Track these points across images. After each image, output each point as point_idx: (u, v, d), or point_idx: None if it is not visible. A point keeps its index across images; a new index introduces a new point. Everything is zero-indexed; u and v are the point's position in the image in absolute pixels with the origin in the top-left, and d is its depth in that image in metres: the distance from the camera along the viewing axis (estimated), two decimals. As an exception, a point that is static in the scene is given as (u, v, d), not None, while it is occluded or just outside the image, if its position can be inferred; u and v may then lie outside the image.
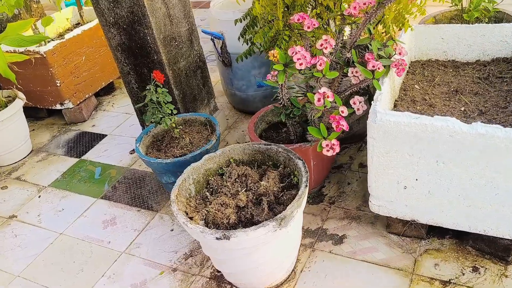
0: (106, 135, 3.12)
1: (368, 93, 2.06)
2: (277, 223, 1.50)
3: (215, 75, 3.45)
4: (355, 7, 1.63)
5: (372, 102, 1.72)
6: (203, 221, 1.65)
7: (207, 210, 1.66)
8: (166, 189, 2.31)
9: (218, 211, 1.64)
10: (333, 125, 1.66)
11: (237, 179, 1.83)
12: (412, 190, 1.74)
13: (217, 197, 1.74)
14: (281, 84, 1.76)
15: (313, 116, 1.75)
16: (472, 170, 1.57)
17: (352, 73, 1.70)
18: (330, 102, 1.59)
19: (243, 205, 1.68)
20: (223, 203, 1.67)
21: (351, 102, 1.77)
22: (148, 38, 2.25)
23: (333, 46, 1.64)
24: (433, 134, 1.57)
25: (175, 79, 2.42)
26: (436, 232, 1.92)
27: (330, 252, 1.94)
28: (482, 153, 1.52)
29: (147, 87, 2.07)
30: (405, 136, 1.62)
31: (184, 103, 2.52)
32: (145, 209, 2.39)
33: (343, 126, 1.65)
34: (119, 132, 3.13)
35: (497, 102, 1.89)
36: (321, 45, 1.63)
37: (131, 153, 2.86)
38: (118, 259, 2.11)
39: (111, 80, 3.59)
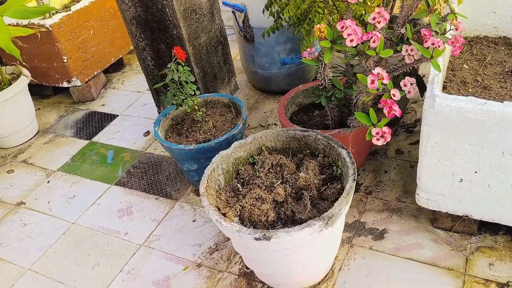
0: (117, 116, 2.93)
1: (415, 73, 1.85)
2: (324, 222, 1.33)
3: (233, 51, 3.23)
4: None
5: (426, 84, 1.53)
6: (238, 217, 1.47)
7: (241, 205, 1.48)
8: (187, 176, 2.13)
9: (253, 206, 1.46)
10: (385, 111, 1.46)
11: (270, 169, 1.64)
12: (469, 183, 1.55)
13: (250, 189, 1.56)
14: (324, 64, 1.56)
15: (360, 100, 1.55)
16: (546, 163, 1.39)
17: (407, 51, 1.49)
18: (383, 84, 1.39)
19: (281, 200, 1.50)
20: (259, 197, 1.49)
21: (401, 84, 1.56)
22: (167, 10, 2.03)
23: (387, 21, 1.43)
24: (502, 122, 1.37)
25: (195, 56, 2.21)
26: (488, 228, 1.74)
27: (370, 248, 1.77)
28: (559, 144, 1.34)
29: (168, 65, 1.86)
30: (468, 124, 1.42)
31: (205, 82, 2.32)
32: (163, 197, 2.21)
33: (396, 111, 1.45)
34: (131, 112, 2.93)
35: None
36: (374, 18, 1.42)
37: (145, 135, 2.67)
38: (137, 252, 1.95)
39: (120, 56, 3.37)
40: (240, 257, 1.83)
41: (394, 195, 1.98)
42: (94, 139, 2.74)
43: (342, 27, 1.39)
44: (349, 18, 1.66)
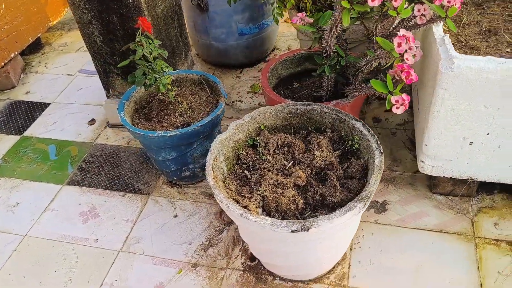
0: (49, 104, 2.51)
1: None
2: (363, 203, 1.20)
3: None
4: None
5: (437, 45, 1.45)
6: (261, 208, 1.29)
7: (261, 195, 1.30)
8: (160, 167, 1.87)
9: (276, 194, 1.29)
10: (403, 76, 1.35)
11: (276, 150, 1.47)
12: (479, 146, 1.52)
13: (261, 175, 1.38)
14: (334, 27, 1.39)
15: (372, 66, 1.43)
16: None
17: (419, 11, 1.38)
18: (411, 46, 1.28)
19: (303, 184, 1.34)
20: (278, 183, 1.32)
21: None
22: (122, -27, 1.72)
23: (404, -24, 1.30)
24: (522, 81, 1.34)
25: (155, 28, 1.92)
26: (484, 188, 1.76)
27: (376, 222, 1.70)
28: None
29: (137, 39, 1.58)
30: (487, 85, 1.37)
31: (164, 58, 2.04)
32: (131, 193, 1.93)
33: (413, 76, 1.35)
34: (65, 98, 2.54)
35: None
36: (390, -26, 1.29)
37: (90, 124, 2.32)
38: (116, 260, 1.68)
39: (39, 35, 2.89)
40: (240, 249, 1.66)
41: (384, 164, 1.92)
42: (27, 133, 2.32)
43: (362, -15, 1.24)
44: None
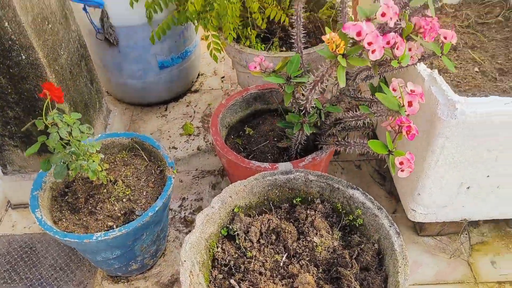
0: None
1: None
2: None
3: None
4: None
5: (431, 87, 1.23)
6: None
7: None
8: (100, 265, 1.45)
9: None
10: (403, 131, 1.11)
11: (261, 240, 1.16)
12: (477, 189, 1.36)
13: (252, 285, 1.06)
14: (319, 83, 1.10)
15: (364, 121, 1.18)
16: None
17: (411, 49, 1.15)
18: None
19: (312, 290, 1.05)
20: (282, 297, 1.01)
21: (391, 87, 1.23)
22: (7, 25, 1.24)
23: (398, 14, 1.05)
24: (529, 120, 1.18)
25: (62, 85, 1.47)
26: (469, 222, 1.62)
27: None
28: None
29: (49, 116, 1.14)
30: (493, 128, 1.19)
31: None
32: (62, 300, 1.49)
33: (414, 131, 1.12)
34: None
35: (509, 55, 1.61)
36: (383, 15, 1.02)
37: (-16, 208, 1.78)
38: None
39: None
40: None
41: (360, 207, 1.70)
42: None
43: (359, 33, 0.96)
44: (299, 4, 1.24)
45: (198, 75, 2.36)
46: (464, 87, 1.49)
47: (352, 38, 0.98)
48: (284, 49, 1.78)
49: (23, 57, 1.32)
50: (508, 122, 1.18)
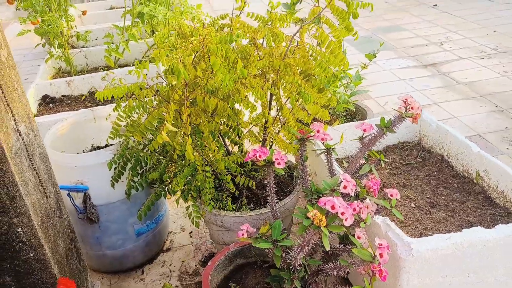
0: None
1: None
2: None
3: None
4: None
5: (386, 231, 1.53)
6: None
7: None
8: None
9: None
10: (376, 275, 1.36)
11: None
12: (440, 310, 1.61)
13: None
14: (305, 246, 1.34)
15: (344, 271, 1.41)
16: (500, 271, 1.57)
17: (367, 207, 1.46)
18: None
19: None
20: None
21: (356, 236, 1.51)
22: (20, 230, 1.39)
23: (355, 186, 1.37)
24: (467, 249, 1.49)
25: (61, 273, 1.58)
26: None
27: None
28: (506, 252, 1.54)
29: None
30: (441, 260, 1.48)
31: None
32: None
33: (385, 273, 1.38)
34: None
35: (435, 190, 1.99)
36: (345, 187, 1.33)
37: None
38: None
39: None
40: None
41: None
42: None
43: (333, 207, 1.25)
44: (271, 177, 1.53)
45: (168, 233, 2.52)
46: (408, 222, 1.82)
47: (327, 210, 1.26)
48: (251, 205, 2.04)
49: (31, 255, 1.45)
50: (452, 254, 1.48)
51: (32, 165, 1.45)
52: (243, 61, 1.84)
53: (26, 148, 1.43)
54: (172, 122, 1.62)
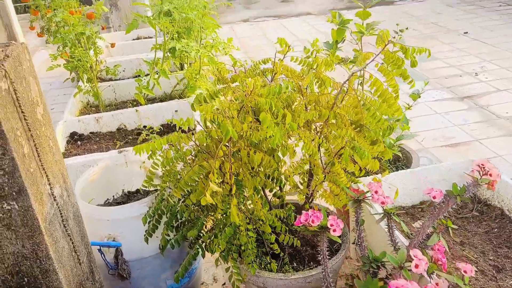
0: None
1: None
2: None
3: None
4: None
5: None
6: None
7: None
8: None
9: None
10: None
11: None
12: None
13: None
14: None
15: None
16: None
17: (438, 284, 1.29)
18: None
19: None
20: None
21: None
22: (52, 304, 1.26)
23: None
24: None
25: None
26: None
27: None
28: None
29: None
30: None
31: None
32: None
33: None
34: None
35: (498, 251, 1.81)
36: (417, 266, 1.17)
37: None
38: None
39: None
40: None
41: None
42: None
43: (407, 294, 1.09)
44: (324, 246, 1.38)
45: (202, 283, 2.37)
46: (472, 290, 1.63)
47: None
48: (294, 264, 1.88)
49: (63, 330, 1.32)
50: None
51: (66, 230, 1.33)
52: (288, 108, 1.72)
53: (61, 212, 1.31)
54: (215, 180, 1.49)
